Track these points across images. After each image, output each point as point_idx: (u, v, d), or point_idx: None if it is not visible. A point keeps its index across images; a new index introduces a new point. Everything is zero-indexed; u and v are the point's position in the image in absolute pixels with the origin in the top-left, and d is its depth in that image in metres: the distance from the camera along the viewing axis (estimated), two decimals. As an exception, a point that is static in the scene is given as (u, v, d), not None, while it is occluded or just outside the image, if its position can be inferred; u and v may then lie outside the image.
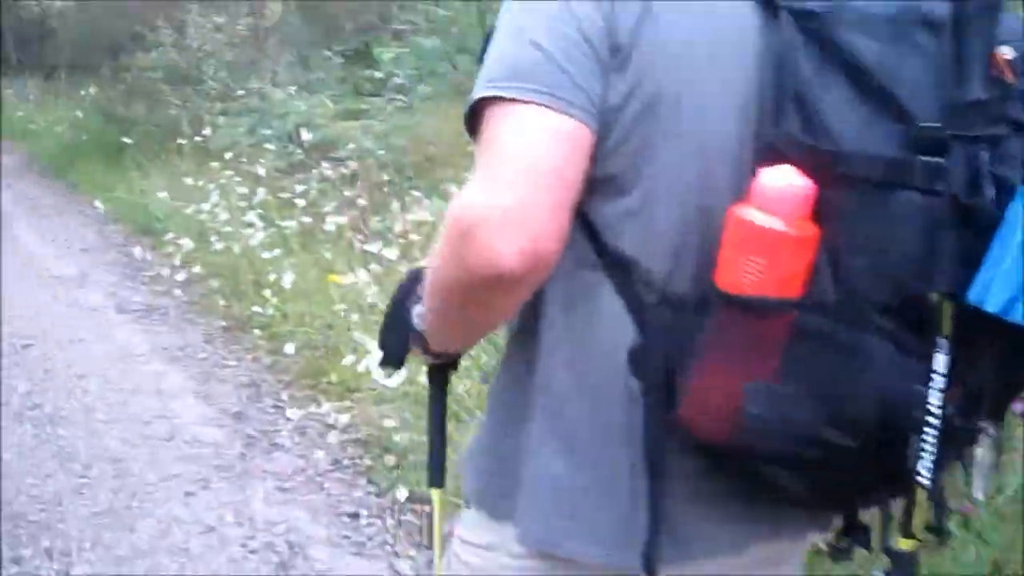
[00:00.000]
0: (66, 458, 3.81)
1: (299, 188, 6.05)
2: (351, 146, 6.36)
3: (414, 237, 4.96)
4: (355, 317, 4.39)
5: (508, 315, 1.15)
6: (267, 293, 5.21)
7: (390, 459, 3.73)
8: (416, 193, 6.08)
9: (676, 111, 1.04)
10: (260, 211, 5.79)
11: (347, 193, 5.83)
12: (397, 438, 3.74)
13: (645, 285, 1.08)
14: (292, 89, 7.55)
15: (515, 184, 0.98)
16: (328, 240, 5.41)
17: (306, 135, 6.86)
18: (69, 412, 4.24)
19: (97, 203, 8.46)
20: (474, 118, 1.04)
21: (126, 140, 9.74)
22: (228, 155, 6.92)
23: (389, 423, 3.74)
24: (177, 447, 3.96)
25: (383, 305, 4.44)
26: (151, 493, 3.58)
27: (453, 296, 1.07)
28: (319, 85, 9.13)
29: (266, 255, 5.33)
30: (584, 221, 1.08)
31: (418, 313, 1.25)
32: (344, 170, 6.23)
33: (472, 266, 0.98)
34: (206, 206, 5.97)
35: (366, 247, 5.18)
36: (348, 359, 4.19)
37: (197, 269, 5.74)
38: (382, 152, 6.43)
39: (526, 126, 1.00)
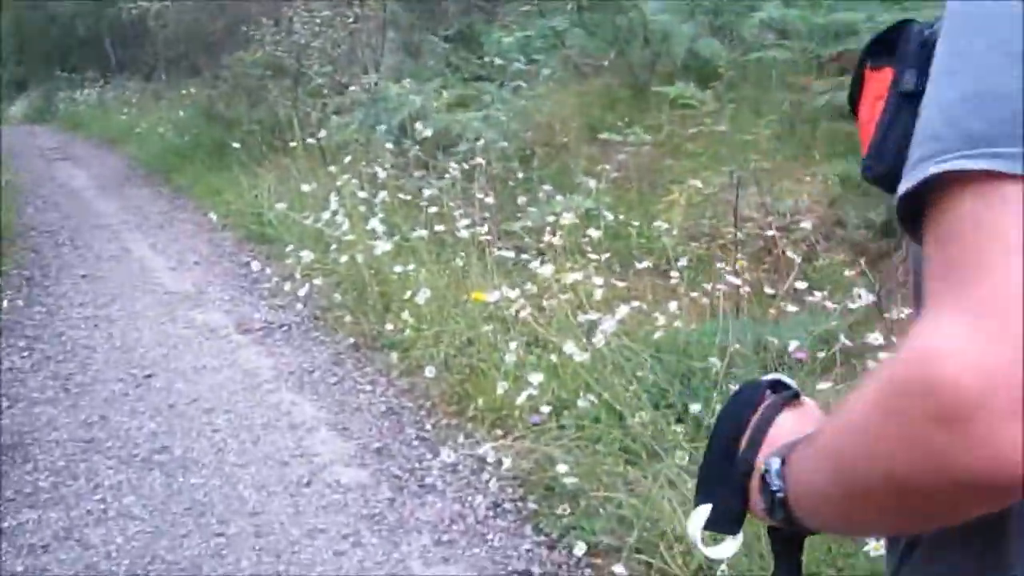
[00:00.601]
0: (200, 512, 3.45)
1: (423, 190, 5.62)
2: (476, 140, 5.91)
3: (555, 240, 4.48)
4: (511, 345, 3.92)
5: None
6: (396, 307, 4.82)
7: (561, 506, 3.27)
8: (547, 187, 5.63)
9: None
10: (381, 215, 5.37)
11: (474, 192, 5.37)
12: (567, 481, 3.28)
13: None
14: (407, 82, 7.10)
15: None
16: (459, 245, 4.98)
17: (421, 128, 6.44)
18: (199, 454, 3.88)
19: (206, 210, 8.22)
20: (920, 199, 0.61)
21: (232, 143, 9.53)
22: (342, 155, 6.54)
23: (561, 467, 3.27)
24: (319, 493, 3.57)
25: (534, 323, 4.02)
26: (297, 553, 3.20)
27: (890, 490, 0.63)
28: (426, 73, 8.73)
29: (394, 266, 4.91)
30: None
31: (776, 470, 0.79)
32: (465, 165, 5.78)
33: (955, 465, 0.55)
34: (325, 214, 5.55)
35: (501, 252, 4.74)
36: (501, 386, 3.74)
37: (319, 281, 5.35)
38: (504, 143, 5.97)
39: None
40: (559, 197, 5.41)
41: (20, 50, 22.36)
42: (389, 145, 6.27)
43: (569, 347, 3.49)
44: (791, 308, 3.83)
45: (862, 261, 4.80)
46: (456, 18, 9.99)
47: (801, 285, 3.85)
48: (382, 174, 5.68)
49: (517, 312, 4.09)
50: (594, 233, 4.31)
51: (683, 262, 4.07)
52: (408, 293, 4.57)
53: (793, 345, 3.34)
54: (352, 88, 8.28)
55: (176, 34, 11.67)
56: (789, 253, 4.49)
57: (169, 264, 6.76)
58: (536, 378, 3.52)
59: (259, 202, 7.37)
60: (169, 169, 10.43)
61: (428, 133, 5.83)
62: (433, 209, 5.49)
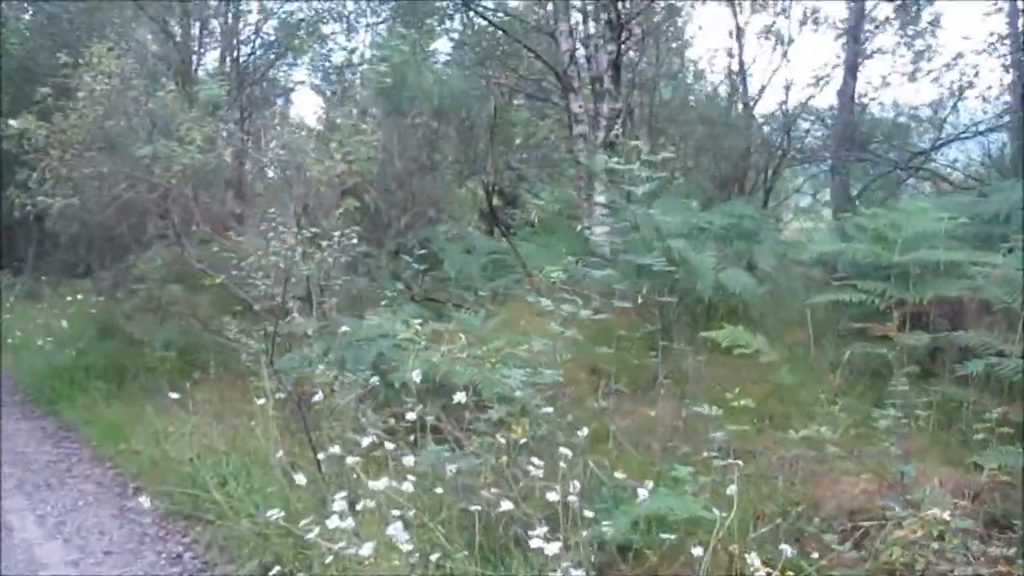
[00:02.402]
0: None
1: (442, 468, 4.12)
2: (511, 396, 4.49)
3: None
4: None
5: None
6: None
7: None
8: (619, 475, 4.21)
9: None
10: (399, 513, 3.79)
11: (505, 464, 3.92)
12: None
13: None
14: (408, 319, 5.57)
15: None
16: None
17: (418, 378, 4.93)
18: None
19: (109, 461, 6.48)
20: None
21: (135, 368, 7.88)
22: (317, 411, 5.00)
23: None
24: None
25: None
26: None
27: None
28: (389, 296, 7.32)
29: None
30: None
31: None
32: (502, 439, 4.30)
33: None
34: (331, 521, 3.85)
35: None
36: None
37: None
38: (549, 409, 4.53)
39: None
40: (641, 490, 3.98)
41: None
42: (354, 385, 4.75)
43: None
44: None
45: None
46: (414, 231, 8.68)
47: None
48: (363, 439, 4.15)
49: None
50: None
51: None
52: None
53: None
54: (295, 315, 6.76)
55: (79, 233, 9.96)
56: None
57: (68, 554, 4.92)
58: None
59: (185, 458, 5.68)
60: (54, 396, 8.60)
61: (461, 398, 4.31)
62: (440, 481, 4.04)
